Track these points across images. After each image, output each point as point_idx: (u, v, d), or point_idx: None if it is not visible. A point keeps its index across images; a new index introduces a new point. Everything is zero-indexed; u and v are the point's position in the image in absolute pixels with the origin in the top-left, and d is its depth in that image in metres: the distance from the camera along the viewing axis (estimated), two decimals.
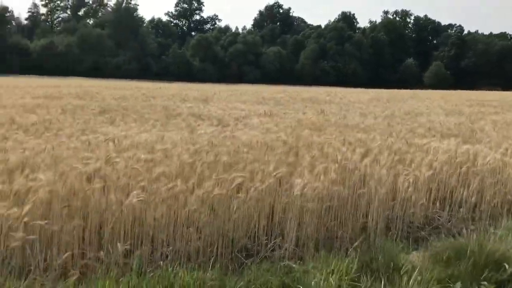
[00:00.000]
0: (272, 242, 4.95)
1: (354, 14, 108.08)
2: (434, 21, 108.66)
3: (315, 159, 6.12)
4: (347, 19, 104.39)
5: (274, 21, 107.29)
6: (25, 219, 3.83)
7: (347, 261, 4.27)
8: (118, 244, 4.11)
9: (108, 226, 4.29)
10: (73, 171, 4.68)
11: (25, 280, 3.74)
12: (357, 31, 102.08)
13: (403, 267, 4.29)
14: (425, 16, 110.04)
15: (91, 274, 4.01)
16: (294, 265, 4.36)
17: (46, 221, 4.02)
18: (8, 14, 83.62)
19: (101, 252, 4.11)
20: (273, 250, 4.87)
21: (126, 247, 4.17)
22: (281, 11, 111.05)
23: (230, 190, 4.93)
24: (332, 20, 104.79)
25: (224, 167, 5.69)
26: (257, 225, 5.09)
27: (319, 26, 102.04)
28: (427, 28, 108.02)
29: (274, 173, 5.36)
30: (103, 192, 4.54)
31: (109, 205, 4.38)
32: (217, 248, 4.65)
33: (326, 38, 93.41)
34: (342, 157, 6.38)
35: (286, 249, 4.84)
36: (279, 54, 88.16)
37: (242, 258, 4.67)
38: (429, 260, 4.64)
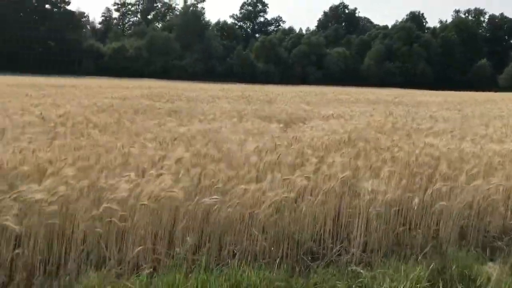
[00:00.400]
0: (338, 246, 4.89)
1: (423, 13, 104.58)
2: (511, 20, 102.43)
3: (383, 163, 5.96)
4: (415, 19, 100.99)
5: (339, 22, 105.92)
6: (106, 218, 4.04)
7: (418, 269, 4.12)
8: (188, 237, 4.23)
9: (180, 224, 4.42)
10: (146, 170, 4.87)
11: (101, 270, 3.93)
12: (426, 31, 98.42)
13: (479, 278, 4.07)
14: (501, 14, 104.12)
15: (161, 269, 4.16)
16: (361, 271, 4.27)
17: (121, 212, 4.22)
18: (84, 19, 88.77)
19: (176, 249, 4.24)
20: (339, 255, 4.80)
21: (194, 242, 4.27)
22: (346, 11, 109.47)
23: (295, 191, 4.93)
24: (400, 20, 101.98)
25: (289, 168, 5.69)
26: (322, 228, 5.05)
27: (386, 26, 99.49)
28: (503, 27, 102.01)
29: (340, 176, 5.29)
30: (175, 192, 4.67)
31: (181, 203, 4.51)
32: (282, 249, 4.65)
33: (393, 38, 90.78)
34: (411, 161, 6.18)
35: (352, 254, 4.75)
36: (344, 54, 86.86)
37: (308, 261, 4.64)
38: (508, 272, 4.37)
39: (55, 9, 78.20)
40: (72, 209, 4.25)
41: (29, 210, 4.04)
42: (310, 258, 4.71)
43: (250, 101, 21.07)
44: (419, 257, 4.62)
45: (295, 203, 4.92)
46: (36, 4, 76.33)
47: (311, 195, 5.04)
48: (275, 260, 4.44)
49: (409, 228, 5.27)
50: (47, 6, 77.87)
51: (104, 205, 4.21)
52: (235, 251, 4.54)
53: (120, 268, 4.16)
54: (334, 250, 4.84)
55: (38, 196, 4.03)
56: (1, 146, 6.15)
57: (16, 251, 3.94)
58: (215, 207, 4.56)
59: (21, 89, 22.47)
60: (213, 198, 4.53)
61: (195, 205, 4.54)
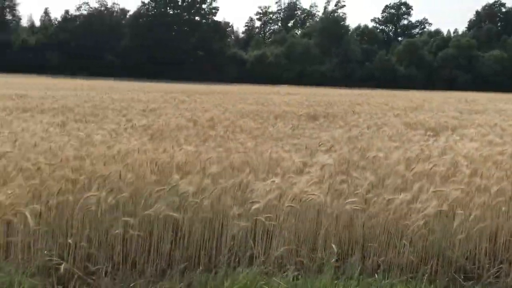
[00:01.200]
0: (496, 268, 4.45)
1: None
2: None
3: None
4: None
5: (494, 22, 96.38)
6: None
7: None
8: (333, 245, 4.22)
9: (322, 229, 4.44)
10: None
11: (250, 267, 4.11)
12: None
13: None
14: None
15: (304, 272, 4.20)
16: None
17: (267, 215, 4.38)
18: (228, 28, 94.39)
19: (319, 255, 4.27)
20: (497, 277, 4.37)
21: (339, 249, 4.25)
22: (503, 9, 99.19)
23: (447, 205, 4.62)
24: None
25: (440, 180, 5.35)
26: (478, 246, 4.64)
27: None
28: None
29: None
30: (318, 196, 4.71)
31: (324, 208, 4.53)
32: (432, 265, 4.38)
33: None
34: None
35: None
36: (500, 56, 78.67)
37: (461, 280, 4.31)
38: None
39: (204, 21, 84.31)
40: (223, 206, 4.53)
41: (186, 203, 4.42)
42: (462, 277, 4.37)
43: (394, 107, 20.27)
44: None
45: (446, 217, 4.61)
46: (187, 16, 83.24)
47: (465, 210, 4.67)
48: (423, 275, 4.20)
49: None
50: (196, 18, 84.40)
51: (251, 204, 4.42)
52: (379, 262, 4.40)
53: (265, 267, 4.30)
54: (491, 271, 4.42)
55: (191, 190, 4.40)
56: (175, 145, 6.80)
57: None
58: (358, 215, 4.49)
59: (173, 95, 24.66)
60: (355, 206, 4.47)
61: (337, 211, 4.52)
